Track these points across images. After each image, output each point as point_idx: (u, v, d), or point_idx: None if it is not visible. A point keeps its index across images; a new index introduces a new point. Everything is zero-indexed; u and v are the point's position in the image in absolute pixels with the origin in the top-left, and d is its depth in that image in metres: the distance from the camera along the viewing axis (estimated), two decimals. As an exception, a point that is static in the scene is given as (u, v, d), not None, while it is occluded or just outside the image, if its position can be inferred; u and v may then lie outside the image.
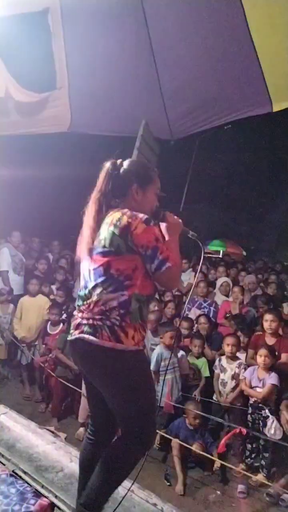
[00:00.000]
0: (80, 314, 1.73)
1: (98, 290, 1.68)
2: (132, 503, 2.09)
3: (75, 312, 1.79)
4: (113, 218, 1.70)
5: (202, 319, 4.55)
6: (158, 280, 1.71)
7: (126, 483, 1.82)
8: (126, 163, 1.87)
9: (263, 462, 3.28)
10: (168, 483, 3.10)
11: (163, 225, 1.85)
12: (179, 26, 3.69)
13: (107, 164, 1.85)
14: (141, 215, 1.68)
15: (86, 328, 1.66)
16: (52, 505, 2.01)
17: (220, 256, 11.49)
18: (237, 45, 3.55)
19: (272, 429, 3.25)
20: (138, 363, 1.70)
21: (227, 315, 4.76)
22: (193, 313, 4.96)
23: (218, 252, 12.67)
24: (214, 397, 3.83)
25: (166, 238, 1.81)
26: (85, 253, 1.76)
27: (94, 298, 1.68)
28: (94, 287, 1.69)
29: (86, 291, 1.73)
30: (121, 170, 1.83)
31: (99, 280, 1.68)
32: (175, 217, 1.88)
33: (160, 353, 3.84)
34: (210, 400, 3.81)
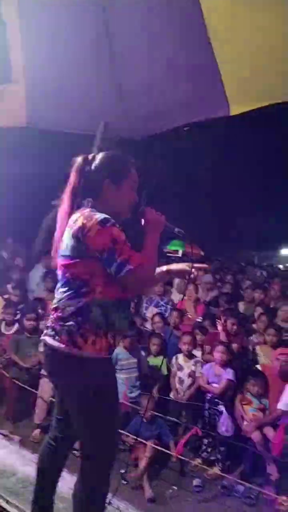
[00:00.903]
0: (50, 316, 1.69)
1: (58, 295, 1.63)
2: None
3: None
4: (72, 219, 1.62)
5: (156, 318, 4.59)
6: (123, 285, 1.58)
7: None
8: (98, 157, 1.73)
9: (218, 456, 3.36)
10: (125, 481, 3.08)
11: (142, 222, 1.71)
12: (139, 27, 3.70)
13: (78, 159, 1.73)
14: (97, 215, 1.55)
15: (49, 331, 1.63)
16: (2, 511, 1.94)
17: (179, 255, 11.69)
18: (195, 49, 3.61)
19: (224, 426, 3.33)
20: (98, 373, 1.57)
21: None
22: (150, 312, 5.01)
23: (177, 251, 12.90)
24: (171, 395, 3.87)
25: (146, 235, 1.68)
26: (55, 255, 1.70)
27: (55, 302, 1.64)
28: (57, 291, 1.66)
29: (55, 294, 1.69)
30: (93, 165, 1.71)
31: (59, 284, 1.64)
32: (157, 213, 1.73)
33: (116, 353, 3.84)
34: (168, 398, 3.85)
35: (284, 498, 2.84)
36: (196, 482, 3.13)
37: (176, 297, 5.39)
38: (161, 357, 4.16)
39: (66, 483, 2.01)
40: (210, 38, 3.48)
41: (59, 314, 1.60)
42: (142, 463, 3.16)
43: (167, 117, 4.23)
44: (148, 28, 3.70)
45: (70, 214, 1.66)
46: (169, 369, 4.03)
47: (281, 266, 10.74)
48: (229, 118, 4.10)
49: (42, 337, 1.66)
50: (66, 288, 1.60)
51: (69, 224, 1.62)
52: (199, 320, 4.64)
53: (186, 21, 3.47)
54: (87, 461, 1.61)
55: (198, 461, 3.40)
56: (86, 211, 1.60)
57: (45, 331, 1.66)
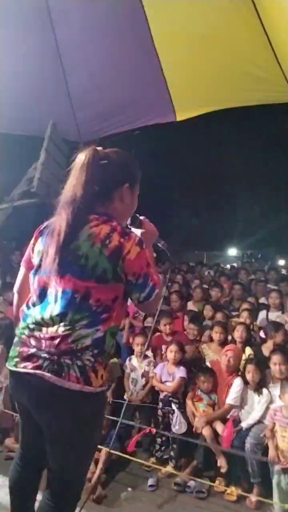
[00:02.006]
0: (35, 343, 1.38)
1: (67, 321, 1.35)
2: None
3: (23, 336, 1.42)
4: (100, 232, 1.37)
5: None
6: (143, 308, 1.51)
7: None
8: (112, 154, 1.52)
9: (172, 454, 3.44)
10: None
11: (138, 232, 1.57)
12: (85, 30, 3.71)
13: (87, 153, 1.45)
14: (133, 235, 1.41)
15: (46, 364, 1.34)
16: None
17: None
18: (141, 56, 3.70)
19: (177, 425, 3.41)
20: (100, 407, 1.47)
21: (136, 314, 4.90)
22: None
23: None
24: (125, 396, 3.90)
25: None
26: (54, 267, 1.38)
27: (61, 330, 1.34)
28: (62, 316, 1.36)
29: (47, 316, 1.38)
30: (109, 164, 1.48)
31: (71, 309, 1.35)
32: (151, 223, 1.63)
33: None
34: (121, 401, 3.86)
35: (233, 488, 2.98)
36: (150, 481, 3.18)
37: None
38: (114, 359, 4.18)
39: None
40: (155, 46, 3.58)
41: (71, 346, 1.33)
42: (98, 469, 3.15)
43: (114, 121, 4.27)
44: (94, 32, 3.71)
45: (75, 220, 1.40)
46: (122, 371, 4.05)
47: (228, 266, 11.18)
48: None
49: (31, 371, 1.34)
50: (82, 315, 1.35)
51: (96, 238, 1.36)
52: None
53: (133, 29, 3.53)
54: (63, 487, 1.49)
55: (152, 460, 3.46)
56: (116, 224, 1.40)
57: (32, 362, 1.36)
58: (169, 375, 3.71)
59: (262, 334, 4.25)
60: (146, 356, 4.01)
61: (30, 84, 4.01)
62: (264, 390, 3.28)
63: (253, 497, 2.92)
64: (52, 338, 1.35)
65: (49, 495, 1.50)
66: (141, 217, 1.63)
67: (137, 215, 1.62)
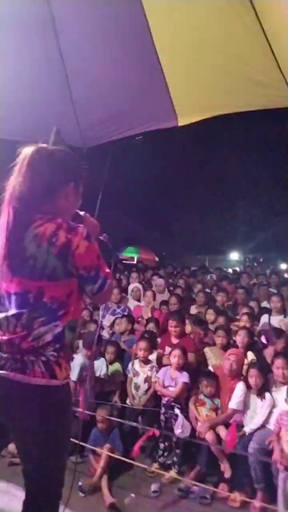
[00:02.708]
0: (3, 345, 1.39)
1: (24, 321, 1.38)
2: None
3: None
4: (46, 231, 1.37)
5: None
6: (98, 300, 1.55)
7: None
8: (58, 152, 1.50)
9: (175, 459, 3.43)
10: (83, 494, 3.04)
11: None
12: (88, 38, 3.74)
13: (30, 150, 1.44)
14: (80, 229, 1.41)
15: (10, 364, 1.36)
16: None
17: (134, 262, 11.81)
18: (143, 62, 3.72)
19: (180, 429, 3.39)
20: (67, 399, 1.48)
21: (139, 319, 4.91)
22: (107, 320, 5.01)
23: (132, 258, 13.03)
24: (127, 401, 3.89)
25: None
26: (3, 271, 1.41)
27: (19, 330, 1.38)
28: (18, 316, 1.38)
29: (2, 318, 1.40)
30: (53, 162, 1.46)
31: (25, 308, 1.38)
32: (92, 218, 1.69)
33: (83, 363, 3.78)
34: (124, 405, 3.87)
35: (237, 494, 2.96)
36: (153, 487, 3.16)
37: (132, 304, 5.45)
38: (116, 364, 4.18)
39: (18, 500, 1.96)
40: (157, 53, 3.60)
41: (32, 344, 1.37)
42: (98, 472, 3.16)
43: (117, 127, 4.29)
44: (97, 40, 3.75)
45: (18, 221, 1.40)
46: (125, 376, 4.05)
47: (230, 270, 11.19)
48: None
49: None
50: (39, 313, 1.38)
51: (42, 237, 1.37)
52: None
53: (135, 36, 3.56)
54: (40, 487, 1.47)
55: (155, 466, 3.45)
56: (61, 221, 1.41)
57: None
58: (171, 380, 3.70)
59: (263, 339, 4.25)
60: (149, 361, 4.00)
61: (34, 90, 4.04)
62: (267, 395, 3.28)
63: (257, 503, 2.90)
64: (11, 339, 1.38)
65: (28, 498, 1.48)
66: (82, 213, 1.65)
67: (78, 211, 1.63)
